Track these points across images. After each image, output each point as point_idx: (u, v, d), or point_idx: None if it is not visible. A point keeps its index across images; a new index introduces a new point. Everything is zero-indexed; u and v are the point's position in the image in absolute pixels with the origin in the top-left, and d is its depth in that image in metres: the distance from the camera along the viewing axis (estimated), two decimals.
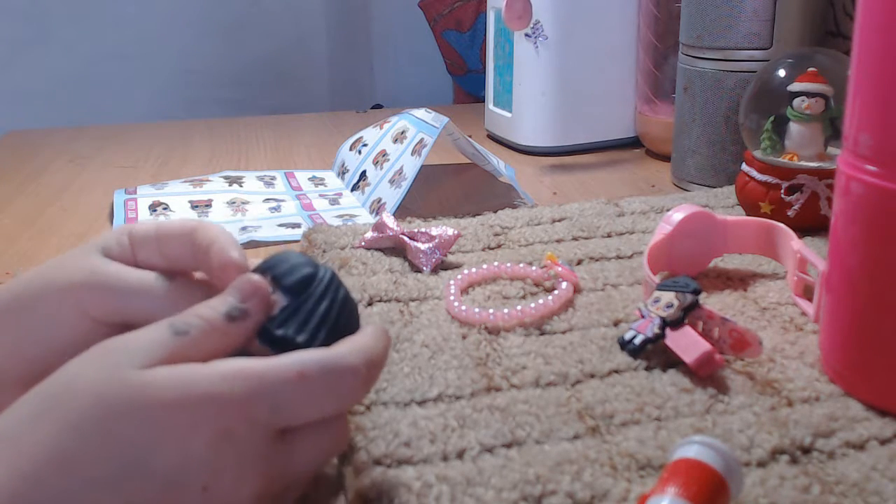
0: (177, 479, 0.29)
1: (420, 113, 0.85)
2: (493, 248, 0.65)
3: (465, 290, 0.57)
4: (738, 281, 0.59)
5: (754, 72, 0.75)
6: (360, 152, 0.89)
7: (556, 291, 0.55)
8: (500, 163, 0.87)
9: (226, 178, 0.90)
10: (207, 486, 0.29)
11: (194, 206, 0.81)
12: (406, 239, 0.62)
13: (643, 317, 0.49)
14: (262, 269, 0.37)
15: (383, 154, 0.84)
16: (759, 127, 0.69)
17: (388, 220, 0.64)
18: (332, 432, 0.34)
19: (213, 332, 0.33)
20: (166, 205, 0.81)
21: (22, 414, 0.29)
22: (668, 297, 0.48)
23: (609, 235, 0.67)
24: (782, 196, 0.66)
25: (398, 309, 0.54)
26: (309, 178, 0.91)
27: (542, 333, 0.51)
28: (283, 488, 0.33)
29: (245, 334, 0.34)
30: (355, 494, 0.37)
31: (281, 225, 0.76)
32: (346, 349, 0.33)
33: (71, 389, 0.30)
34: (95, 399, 0.29)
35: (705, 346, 0.45)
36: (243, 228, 0.75)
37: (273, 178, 0.91)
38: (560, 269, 0.57)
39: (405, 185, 0.75)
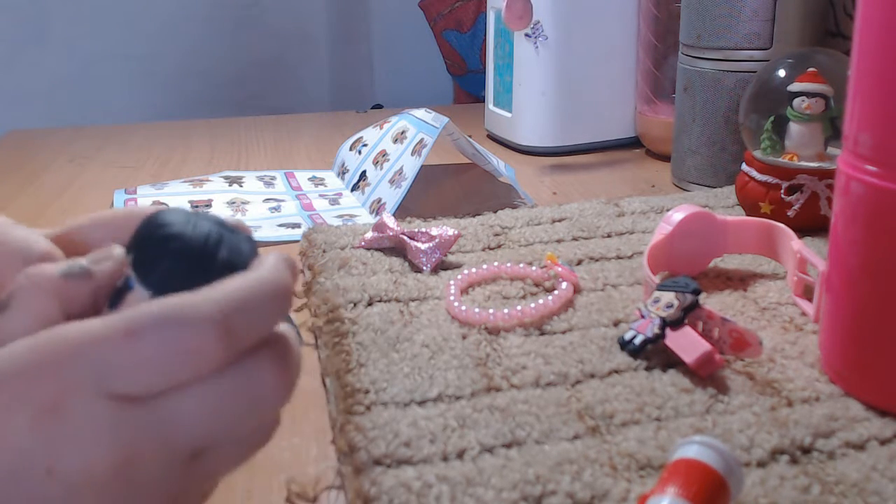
0: (11, 467, 0.25)
1: (420, 113, 0.85)
2: (493, 248, 0.65)
3: (465, 290, 0.57)
4: (738, 281, 0.59)
5: (754, 72, 0.75)
6: (360, 152, 0.89)
7: (556, 291, 0.55)
8: (500, 163, 0.87)
9: (226, 178, 0.90)
10: (51, 467, 0.26)
11: (194, 206, 0.81)
12: (406, 239, 0.62)
13: (643, 317, 0.49)
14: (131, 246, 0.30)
15: (383, 154, 0.84)
16: (759, 127, 0.69)
17: (388, 220, 0.64)
18: (226, 402, 0.27)
19: (41, 292, 0.28)
20: (166, 205, 0.81)
21: None
22: (668, 297, 0.48)
23: (609, 235, 0.67)
24: (782, 196, 0.66)
25: (398, 309, 0.54)
26: (309, 178, 0.91)
27: (542, 333, 0.51)
28: (163, 464, 0.27)
29: (84, 295, 0.29)
30: (355, 494, 0.37)
31: (281, 225, 0.76)
32: (200, 296, 0.27)
33: None
34: None
35: (705, 346, 0.45)
36: None
37: (273, 178, 0.91)
38: (560, 269, 0.57)
39: (405, 185, 0.75)
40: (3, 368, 0.26)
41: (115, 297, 0.29)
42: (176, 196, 0.83)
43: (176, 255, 0.28)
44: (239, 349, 0.27)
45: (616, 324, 0.52)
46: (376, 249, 0.64)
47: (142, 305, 0.27)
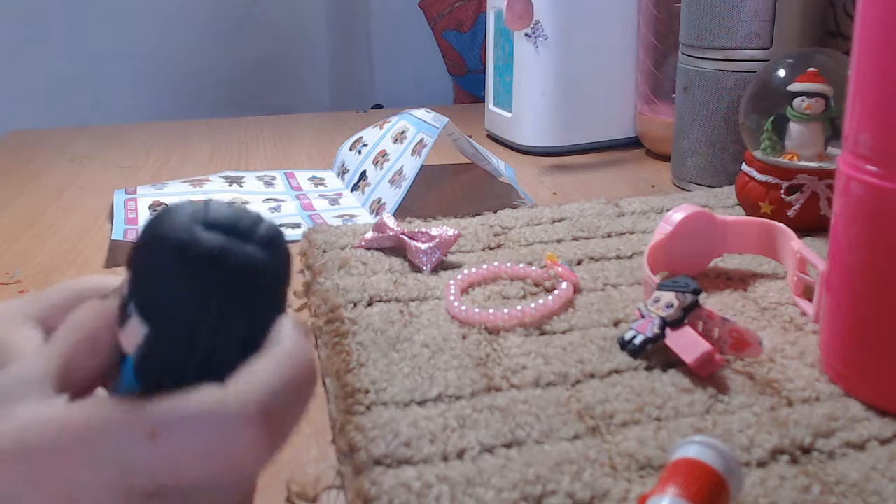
0: None
1: (420, 113, 0.85)
2: (493, 248, 0.65)
3: (465, 290, 0.57)
4: (738, 281, 0.59)
5: (754, 72, 0.75)
6: (360, 152, 0.89)
7: (556, 291, 0.55)
8: (500, 163, 0.87)
9: (226, 178, 0.90)
10: None
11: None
12: (406, 239, 0.62)
13: (643, 317, 0.49)
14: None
15: (383, 154, 0.84)
16: (759, 127, 0.69)
17: (388, 220, 0.64)
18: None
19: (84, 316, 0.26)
20: (166, 205, 0.81)
21: None
22: (668, 297, 0.48)
23: (609, 235, 0.67)
24: (782, 196, 0.66)
25: (398, 309, 0.54)
26: (309, 178, 0.91)
27: (542, 333, 0.51)
28: None
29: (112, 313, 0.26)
30: (355, 494, 0.37)
31: (281, 225, 0.76)
32: (231, 389, 0.24)
33: None
34: None
35: (705, 346, 0.45)
36: None
37: (273, 178, 0.91)
38: (560, 269, 0.57)
39: (405, 185, 0.75)
40: (25, 440, 0.23)
41: (121, 318, 0.25)
42: (176, 196, 0.83)
43: (174, 281, 0.24)
44: (282, 436, 0.25)
45: (616, 324, 0.52)
46: (376, 249, 0.64)
47: (165, 401, 0.24)
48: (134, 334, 0.25)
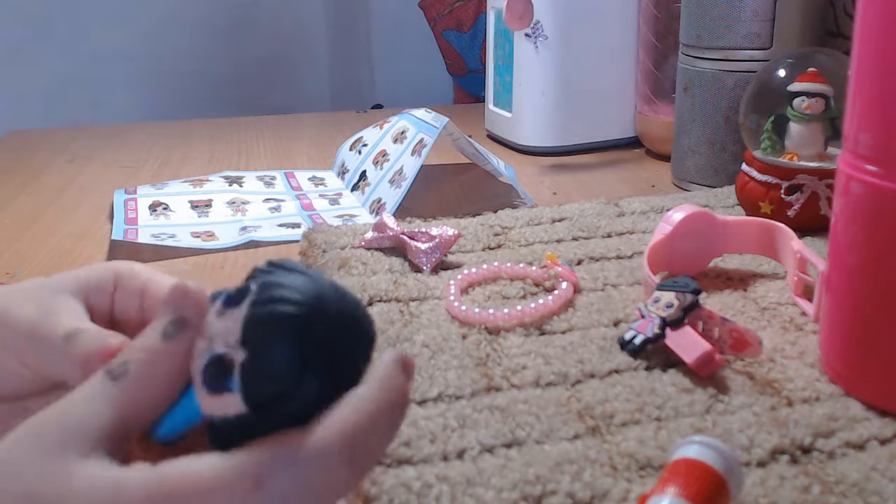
0: None
1: (420, 113, 0.85)
2: (493, 248, 0.65)
3: (465, 290, 0.57)
4: (738, 281, 0.59)
5: (754, 72, 0.75)
6: (360, 152, 0.89)
7: (556, 291, 0.55)
8: (500, 163, 0.87)
9: (226, 178, 0.90)
10: None
11: (194, 206, 0.81)
12: (406, 239, 0.62)
13: (643, 317, 0.49)
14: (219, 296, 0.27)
15: (383, 154, 0.84)
16: (759, 127, 0.69)
17: (388, 220, 0.64)
18: None
19: (155, 361, 0.26)
20: (166, 205, 0.81)
21: None
22: (668, 297, 0.48)
23: (609, 235, 0.67)
24: (782, 196, 0.66)
25: (398, 309, 0.54)
26: (309, 178, 0.91)
27: (542, 333, 0.51)
28: None
29: (188, 349, 0.27)
30: (355, 494, 0.37)
31: (281, 225, 0.76)
32: (322, 429, 0.25)
33: None
34: (25, 501, 0.24)
35: (705, 346, 0.45)
36: (243, 228, 0.75)
37: (273, 178, 0.91)
38: (560, 269, 0.57)
39: (405, 185, 0.75)
40: (132, 497, 0.24)
41: (214, 384, 0.25)
42: (176, 196, 0.83)
43: (307, 387, 0.25)
44: (368, 469, 0.26)
45: (616, 324, 0.52)
46: (376, 249, 0.64)
47: (259, 449, 0.24)
48: (227, 405, 0.25)
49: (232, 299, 0.26)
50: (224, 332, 0.25)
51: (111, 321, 0.33)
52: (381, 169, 0.82)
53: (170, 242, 0.71)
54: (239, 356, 0.24)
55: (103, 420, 0.25)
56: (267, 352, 0.24)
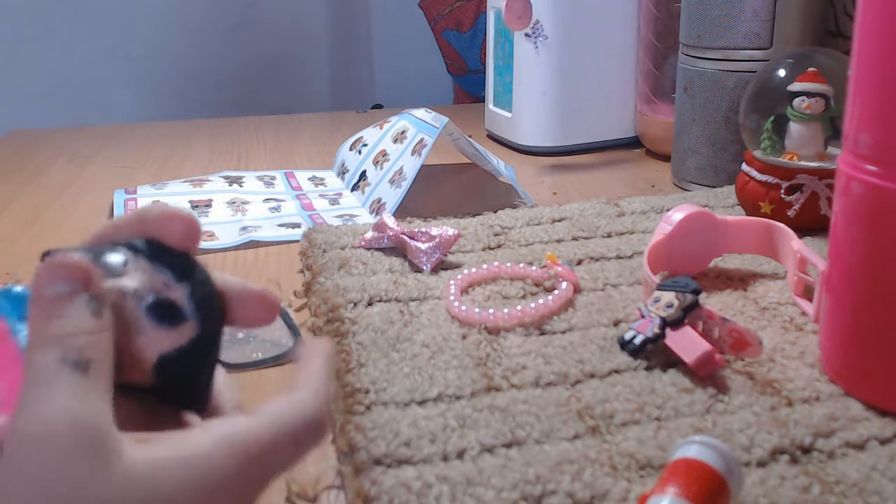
0: None
1: (420, 113, 0.85)
2: (493, 248, 0.65)
3: (465, 290, 0.57)
4: (738, 281, 0.59)
5: (754, 72, 0.75)
6: (360, 152, 0.89)
7: (556, 291, 0.55)
8: (500, 163, 0.87)
9: (226, 178, 0.90)
10: None
11: (194, 205, 0.81)
12: (406, 239, 0.62)
13: (643, 317, 0.49)
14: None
15: (383, 154, 0.84)
16: (759, 127, 0.69)
17: (388, 220, 0.64)
18: None
19: (101, 339, 0.26)
20: (166, 205, 0.81)
21: None
22: (668, 297, 0.48)
23: (609, 235, 0.67)
24: (782, 196, 0.66)
25: (398, 309, 0.54)
26: (309, 178, 0.91)
27: (542, 333, 0.51)
28: None
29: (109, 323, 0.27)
30: (355, 494, 0.37)
31: (281, 225, 0.76)
32: (308, 400, 0.29)
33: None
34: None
35: (705, 346, 0.45)
36: (243, 228, 0.75)
37: (273, 178, 0.91)
38: (560, 269, 0.57)
39: (405, 185, 0.75)
40: (201, 472, 0.26)
41: (171, 318, 0.28)
42: (176, 196, 0.83)
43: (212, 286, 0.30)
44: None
45: (616, 324, 0.52)
46: (376, 249, 0.64)
47: (291, 406, 0.28)
48: (181, 335, 0.28)
49: (111, 264, 0.28)
50: (145, 282, 0.28)
51: None
52: (381, 169, 0.82)
53: None
54: (180, 291, 0.28)
55: (102, 409, 0.25)
56: (201, 277, 0.29)
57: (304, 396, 0.29)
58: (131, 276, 0.28)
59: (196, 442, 0.26)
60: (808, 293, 0.55)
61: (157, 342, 0.27)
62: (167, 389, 0.28)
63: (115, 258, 0.28)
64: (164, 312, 0.28)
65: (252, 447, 0.27)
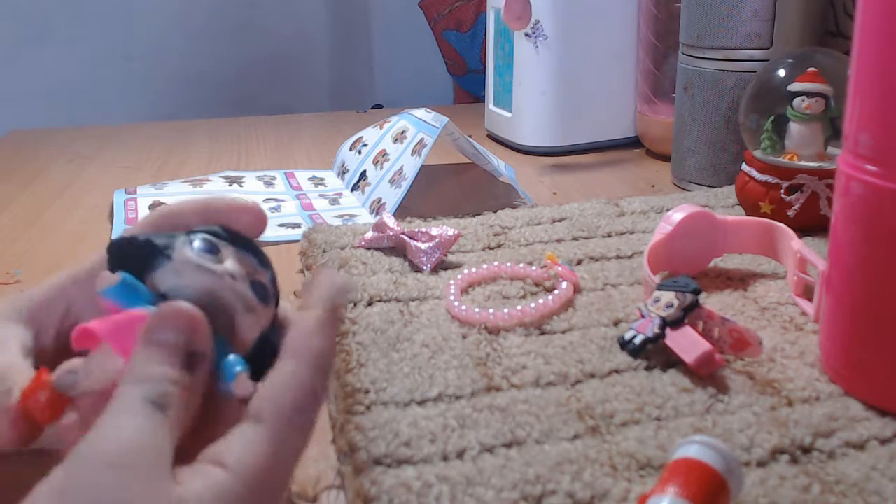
0: None
1: (420, 113, 0.85)
2: (493, 248, 0.65)
3: (465, 290, 0.57)
4: (738, 281, 0.59)
5: (754, 72, 0.75)
6: (360, 152, 0.89)
7: (556, 291, 0.55)
8: (500, 163, 0.87)
9: (226, 178, 0.90)
10: None
11: None
12: (406, 239, 0.62)
13: (643, 317, 0.49)
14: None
15: (383, 154, 0.84)
16: (759, 127, 0.69)
17: (388, 220, 0.64)
18: None
19: (184, 393, 0.27)
20: (166, 205, 0.81)
21: None
22: (668, 297, 0.48)
23: (609, 235, 0.67)
24: (782, 196, 0.66)
25: (398, 309, 0.54)
26: (309, 178, 0.91)
27: (542, 333, 0.51)
28: None
29: (204, 383, 0.28)
30: (355, 494, 0.37)
31: (281, 225, 0.76)
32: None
33: None
34: None
35: (705, 345, 0.45)
36: None
37: (273, 178, 0.91)
38: (560, 269, 0.57)
39: (405, 185, 0.75)
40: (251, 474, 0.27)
41: (262, 297, 0.30)
42: (176, 196, 0.83)
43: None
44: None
45: (616, 323, 0.52)
46: (376, 249, 0.64)
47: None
48: (267, 316, 0.30)
49: (207, 249, 0.30)
50: (241, 268, 0.30)
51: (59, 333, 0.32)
52: (381, 169, 0.82)
53: None
54: (264, 275, 0.31)
55: (168, 444, 0.26)
56: (270, 262, 0.31)
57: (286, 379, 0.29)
58: (230, 261, 0.30)
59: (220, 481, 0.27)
60: (808, 293, 0.55)
61: (259, 319, 0.30)
62: (257, 360, 0.29)
63: (208, 244, 0.30)
64: (262, 293, 0.30)
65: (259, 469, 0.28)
